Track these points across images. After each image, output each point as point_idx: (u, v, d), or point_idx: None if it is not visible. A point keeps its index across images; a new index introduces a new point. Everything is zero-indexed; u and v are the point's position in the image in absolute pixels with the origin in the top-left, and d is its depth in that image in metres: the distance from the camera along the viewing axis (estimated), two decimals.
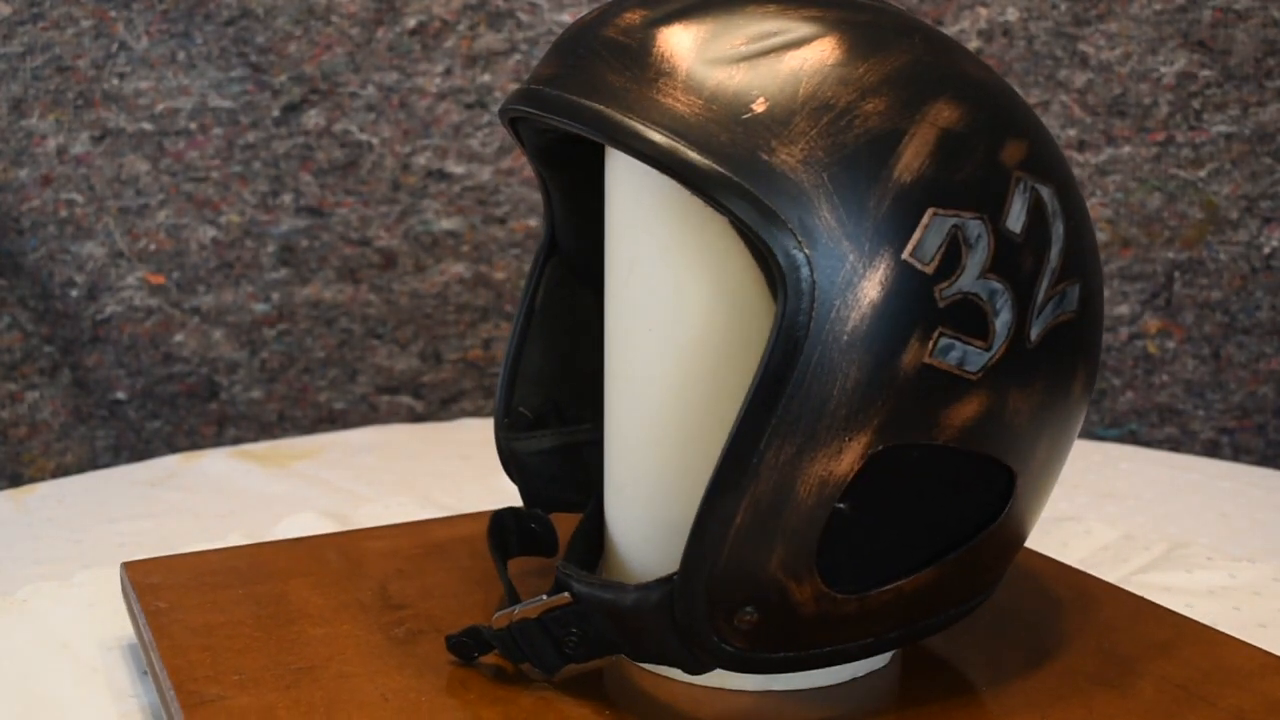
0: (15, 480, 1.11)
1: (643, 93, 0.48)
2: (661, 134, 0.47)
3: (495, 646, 0.56)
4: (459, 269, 1.26)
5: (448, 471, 1.07)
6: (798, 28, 0.48)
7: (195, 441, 1.23)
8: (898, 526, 0.50)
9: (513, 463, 0.65)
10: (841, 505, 0.47)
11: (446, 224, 1.25)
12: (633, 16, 0.50)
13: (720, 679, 0.55)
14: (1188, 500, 1.00)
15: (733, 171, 0.46)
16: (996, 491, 0.51)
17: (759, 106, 0.47)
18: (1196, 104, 1.16)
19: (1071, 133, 1.18)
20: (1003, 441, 0.50)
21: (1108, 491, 1.01)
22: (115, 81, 1.17)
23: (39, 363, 1.15)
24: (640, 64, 0.48)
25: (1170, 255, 1.19)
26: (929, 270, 0.46)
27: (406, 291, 1.26)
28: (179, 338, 1.22)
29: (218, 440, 1.24)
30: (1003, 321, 0.48)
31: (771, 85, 0.47)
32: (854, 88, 0.47)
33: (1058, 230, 0.50)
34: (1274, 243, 1.17)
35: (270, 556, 0.71)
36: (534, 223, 1.25)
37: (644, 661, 0.55)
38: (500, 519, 0.65)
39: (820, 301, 0.45)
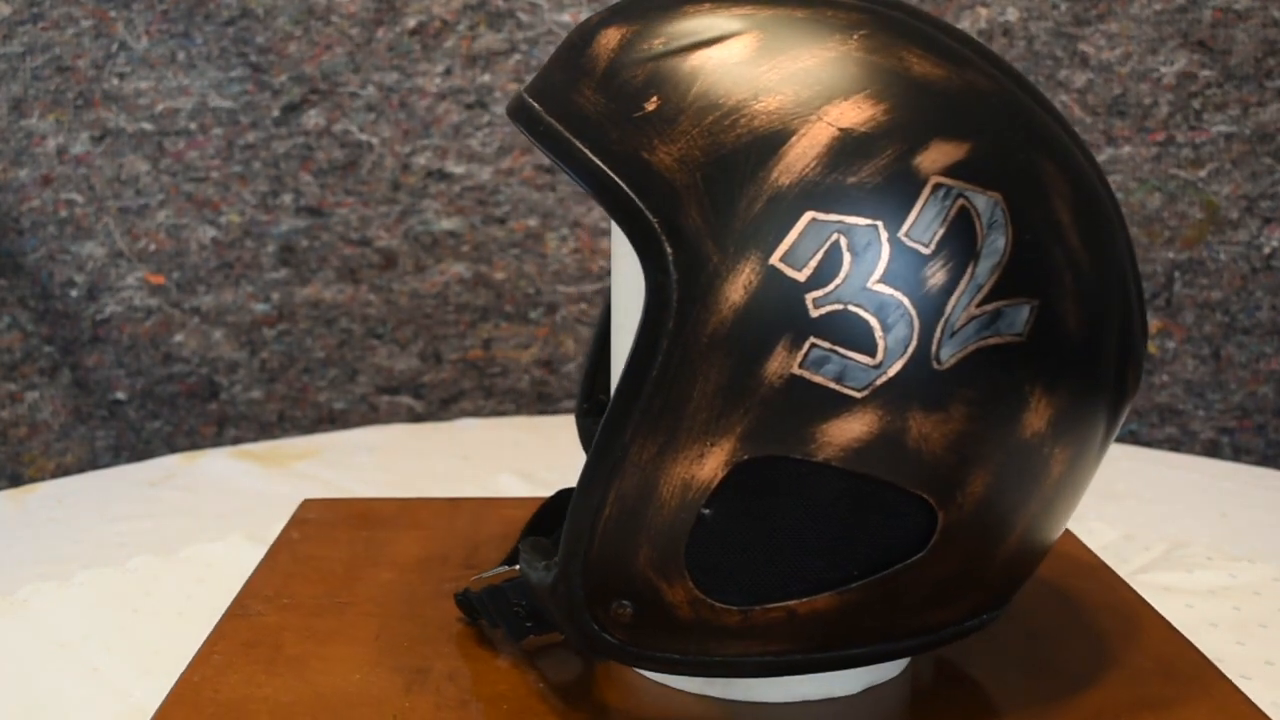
0: (15, 480, 1.12)
1: (564, 91, 0.49)
2: (564, 130, 0.48)
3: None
4: (459, 269, 1.26)
5: (448, 471, 1.07)
6: (720, 26, 0.47)
7: (195, 441, 1.23)
8: (782, 544, 0.47)
9: (587, 445, 0.67)
10: (707, 511, 0.46)
11: (446, 224, 1.25)
12: (593, 18, 0.51)
13: (686, 682, 0.55)
14: (1188, 500, 1.00)
15: (612, 169, 0.46)
16: (915, 526, 0.48)
17: (651, 105, 0.46)
18: (1196, 104, 1.16)
19: None
20: (909, 470, 0.46)
21: (1108, 491, 1.01)
22: (115, 81, 1.17)
23: (39, 363, 1.15)
24: (573, 63, 0.49)
25: (1170, 255, 1.19)
26: (800, 277, 0.44)
27: (406, 291, 1.26)
28: (179, 338, 1.22)
29: (218, 440, 1.24)
30: (896, 337, 0.44)
31: (668, 84, 0.46)
32: (749, 86, 0.46)
33: (994, 243, 0.45)
34: (1274, 243, 1.17)
35: (417, 510, 0.78)
36: (534, 223, 1.25)
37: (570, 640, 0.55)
38: (560, 496, 0.66)
39: (681, 302, 0.44)
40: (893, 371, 0.44)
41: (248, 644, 0.59)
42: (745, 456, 0.45)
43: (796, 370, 0.44)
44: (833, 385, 0.44)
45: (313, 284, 1.24)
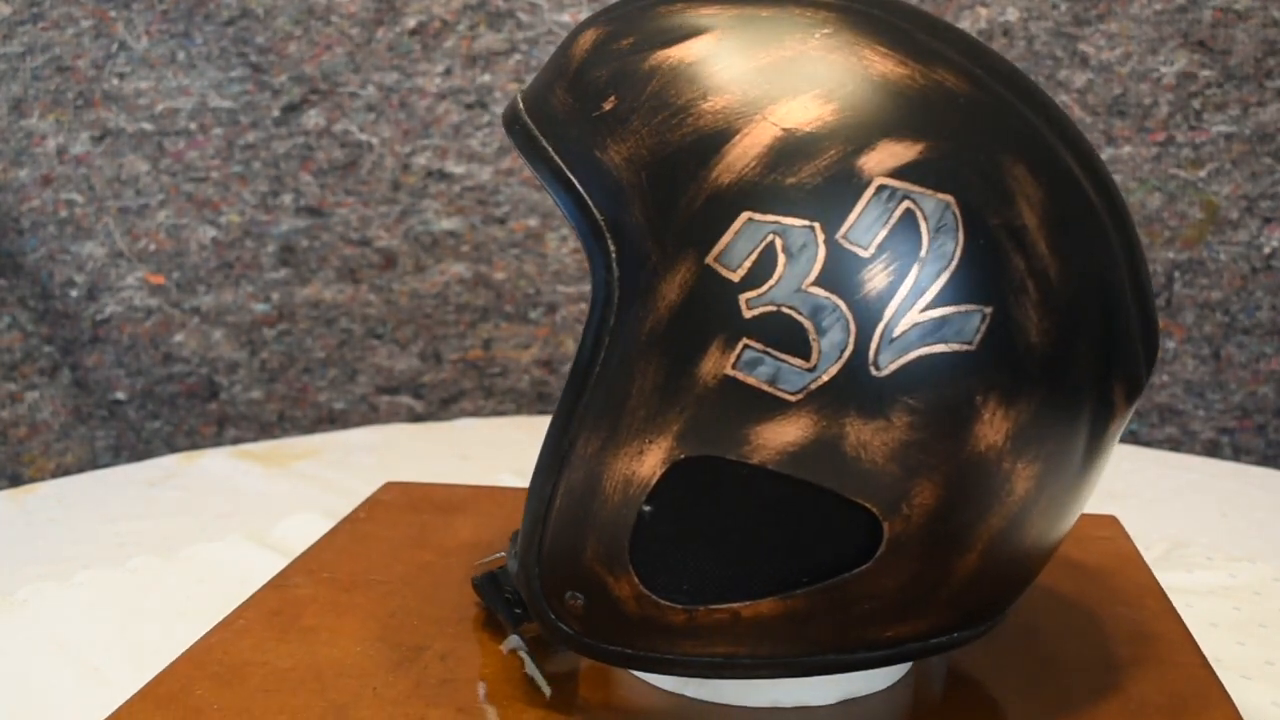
0: (15, 480, 1.12)
1: (544, 92, 0.49)
2: (535, 129, 0.48)
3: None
4: (459, 269, 1.26)
5: (448, 471, 1.07)
6: (687, 25, 0.47)
7: (195, 441, 1.23)
8: (722, 545, 0.47)
9: None
10: (647, 508, 0.46)
11: (446, 224, 1.25)
12: (585, 20, 0.52)
13: (665, 680, 0.55)
14: (1188, 500, 1.00)
15: (569, 168, 0.47)
16: (861, 535, 0.46)
17: (608, 105, 0.46)
18: (1196, 104, 1.16)
19: None
20: (849, 478, 0.45)
21: (1108, 491, 1.01)
22: (115, 81, 1.17)
23: (39, 363, 1.15)
24: (555, 64, 0.50)
25: (1170, 255, 1.19)
26: (734, 277, 0.43)
27: (406, 291, 1.26)
28: (179, 338, 1.22)
29: (218, 440, 1.24)
30: (831, 341, 0.43)
31: (625, 84, 0.47)
32: (699, 85, 0.45)
33: (943, 248, 0.44)
34: (1274, 243, 1.17)
35: (485, 499, 0.79)
36: (534, 223, 1.25)
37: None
38: None
39: (623, 299, 0.45)
40: (827, 376, 0.44)
41: (272, 612, 0.61)
42: (682, 455, 0.45)
43: (729, 371, 0.44)
44: (765, 388, 0.44)
45: (313, 284, 1.24)
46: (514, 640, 0.57)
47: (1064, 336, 0.46)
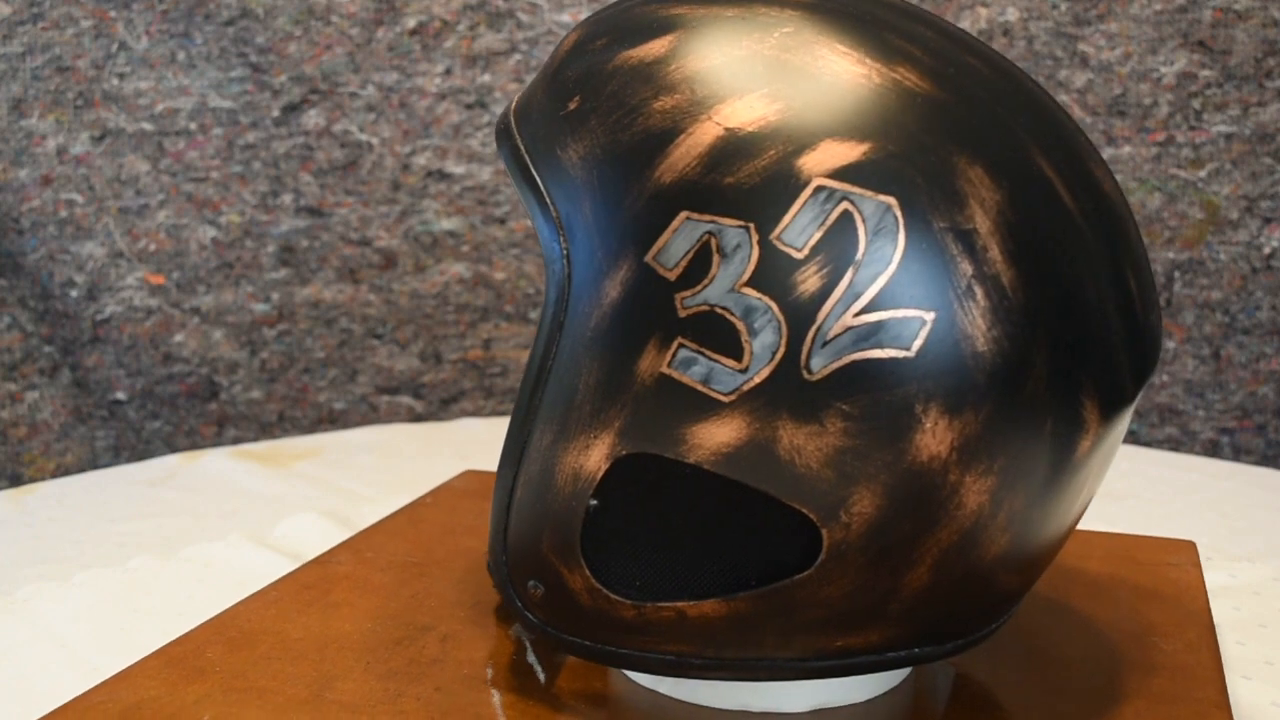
0: (15, 480, 1.12)
1: (530, 95, 0.51)
2: (514, 127, 0.50)
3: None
4: (459, 269, 1.26)
5: (448, 471, 1.07)
6: (654, 25, 0.48)
7: (195, 441, 1.23)
8: (663, 542, 0.48)
9: None
10: (594, 502, 0.47)
11: (446, 224, 1.25)
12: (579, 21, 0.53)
13: (646, 676, 0.55)
14: (1188, 500, 1.00)
15: (534, 166, 0.48)
16: (802, 541, 0.46)
17: (573, 105, 0.47)
18: (1196, 104, 1.16)
19: None
20: (784, 482, 0.44)
21: (1108, 491, 1.01)
22: (115, 81, 1.17)
23: (39, 363, 1.15)
24: (544, 68, 0.51)
25: (1170, 255, 1.19)
26: (671, 276, 0.44)
27: (406, 291, 1.26)
28: (179, 338, 1.22)
29: (218, 440, 1.24)
30: (763, 343, 0.43)
31: (590, 84, 0.47)
32: (653, 85, 0.46)
33: (881, 251, 0.43)
34: (1274, 243, 1.17)
35: None
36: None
37: None
38: None
39: (572, 296, 0.46)
40: (759, 378, 0.44)
41: (305, 587, 0.63)
42: (624, 452, 0.46)
43: (665, 370, 0.45)
44: (700, 387, 0.44)
45: (313, 284, 1.24)
46: (519, 626, 0.57)
47: (1017, 346, 0.44)
